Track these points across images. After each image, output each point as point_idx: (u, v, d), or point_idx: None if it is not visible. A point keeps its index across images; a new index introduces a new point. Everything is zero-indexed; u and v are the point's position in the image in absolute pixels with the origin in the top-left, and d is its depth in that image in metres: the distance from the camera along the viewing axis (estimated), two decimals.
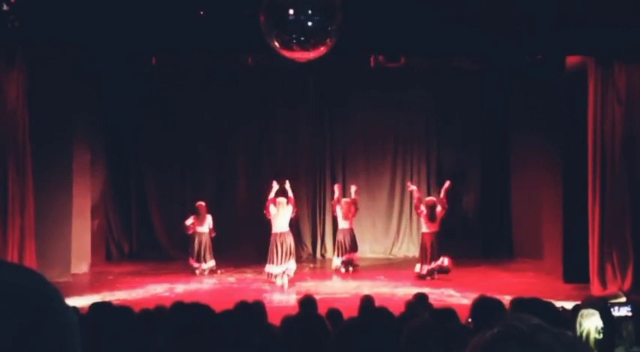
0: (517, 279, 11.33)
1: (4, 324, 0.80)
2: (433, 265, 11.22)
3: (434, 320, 4.11)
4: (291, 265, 10.93)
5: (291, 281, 10.90)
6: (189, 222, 11.79)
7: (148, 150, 13.94)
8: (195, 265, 11.81)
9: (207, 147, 13.87)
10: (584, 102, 10.18)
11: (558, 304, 7.04)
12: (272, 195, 11.03)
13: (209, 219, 11.89)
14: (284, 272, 10.83)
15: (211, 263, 11.94)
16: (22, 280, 0.86)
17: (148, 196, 13.97)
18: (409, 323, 3.14)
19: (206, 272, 11.82)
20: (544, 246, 12.04)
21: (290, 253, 10.86)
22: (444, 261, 11.24)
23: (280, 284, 10.73)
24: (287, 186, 11.19)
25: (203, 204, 11.86)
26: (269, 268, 10.90)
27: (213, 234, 11.90)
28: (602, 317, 4.09)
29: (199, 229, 11.81)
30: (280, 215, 10.89)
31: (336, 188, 12.46)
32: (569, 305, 6.61)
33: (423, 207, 11.34)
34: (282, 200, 11.03)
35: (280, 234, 10.87)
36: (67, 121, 10.92)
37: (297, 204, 13.54)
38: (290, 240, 10.96)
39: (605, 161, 10.05)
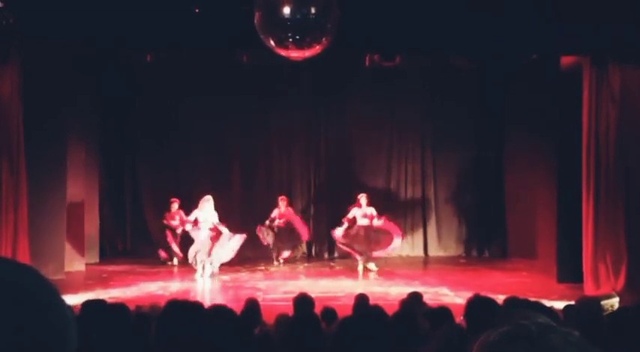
0: (511, 279, 11.34)
1: (2, 321, 0.80)
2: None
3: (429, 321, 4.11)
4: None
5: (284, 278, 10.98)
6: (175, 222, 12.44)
7: (143, 148, 13.91)
8: (164, 256, 12.51)
9: (202, 145, 13.83)
10: (579, 101, 10.19)
11: (551, 304, 7.05)
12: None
13: (181, 214, 12.33)
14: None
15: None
16: (20, 277, 0.85)
17: (142, 194, 13.94)
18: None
19: (172, 264, 12.45)
20: (538, 245, 12.05)
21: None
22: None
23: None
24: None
25: (177, 200, 12.52)
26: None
27: (181, 229, 12.28)
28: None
29: (172, 223, 12.43)
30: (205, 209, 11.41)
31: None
32: (562, 305, 6.61)
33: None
34: (209, 197, 11.47)
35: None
36: (61, 118, 10.87)
37: (292, 202, 13.56)
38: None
39: (599, 161, 10.06)
